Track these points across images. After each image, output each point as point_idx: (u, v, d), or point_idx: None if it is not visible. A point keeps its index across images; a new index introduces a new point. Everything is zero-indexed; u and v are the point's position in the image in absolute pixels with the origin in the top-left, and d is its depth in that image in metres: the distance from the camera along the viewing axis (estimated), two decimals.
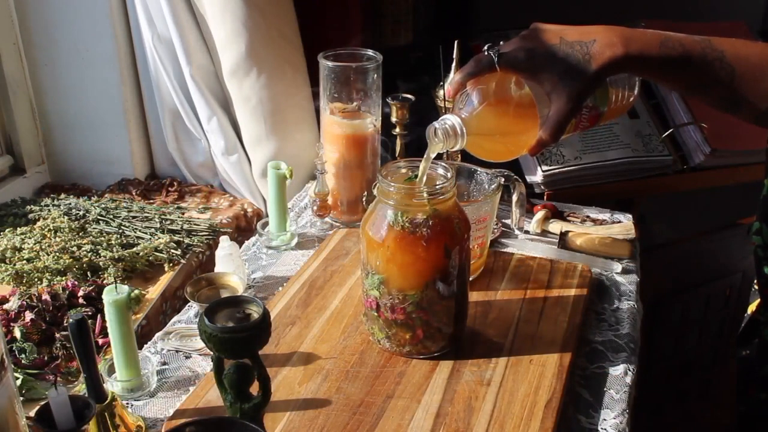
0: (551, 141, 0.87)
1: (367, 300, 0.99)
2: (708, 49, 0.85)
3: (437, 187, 0.92)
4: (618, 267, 1.22)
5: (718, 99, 0.89)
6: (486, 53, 0.87)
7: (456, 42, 1.33)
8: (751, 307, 1.12)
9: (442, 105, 1.34)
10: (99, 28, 1.45)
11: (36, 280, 1.20)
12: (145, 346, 1.05)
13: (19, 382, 0.98)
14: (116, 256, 1.24)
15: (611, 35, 0.84)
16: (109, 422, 0.85)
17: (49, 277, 1.19)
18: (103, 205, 1.41)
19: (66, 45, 1.48)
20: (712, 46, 0.85)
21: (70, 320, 0.80)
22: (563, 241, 1.28)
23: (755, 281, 1.12)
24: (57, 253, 1.23)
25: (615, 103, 0.95)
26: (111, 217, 1.37)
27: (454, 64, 1.34)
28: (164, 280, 1.24)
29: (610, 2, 1.80)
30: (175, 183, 1.56)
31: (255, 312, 0.80)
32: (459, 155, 1.39)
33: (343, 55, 1.30)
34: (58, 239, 1.28)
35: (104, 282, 1.19)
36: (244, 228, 1.47)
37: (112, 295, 0.91)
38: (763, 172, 1.04)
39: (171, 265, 1.28)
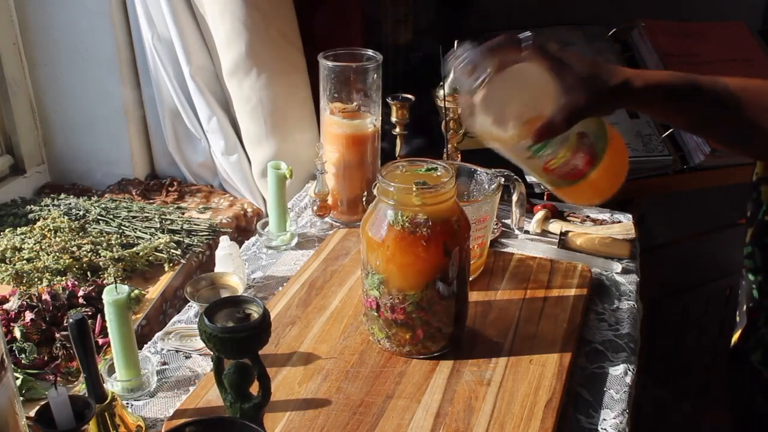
0: (560, 125, 0.85)
1: (367, 300, 0.99)
2: (713, 80, 0.88)
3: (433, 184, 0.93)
4: (618, 267, 1.22)
5: (729, 131, 0.91)
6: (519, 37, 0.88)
7: (456, 42, 1.33)
8: (734, 338, 1.14)
9: (442, 105, 1.34)
10: (99, 28, 1.45)
11: (36, 280, 1.20)
12: (145, 346, 1.05)
13: (19, 382, 0.98)
14: (116, 256, 1.24)
15: (625, 67, 0.89)
16: (109, 422, 0.85)
17: (49, 277, 1.19)
18: (103, 205, 1.41)
19: (66, 45, 1.48)
20: (715, 79, 0.88)
21: (70, 320, 0.80)
22: (563, 241, 1.28)
23: (738, 310, 1.13)
24: (57, 253, 1.23)
25: (611, 157, 0.94)
26: (111, 217, 1.37)
27: None
28: (164, 280, 1.24)
29: (611, 2, 1.81)
30: (175, 183, 1.56)
31: (255, 312, 0.80)
32: (459, 155, 1.40)
33: (343, 55, 1.30)
34: (58, 239, 1.28)
35: (104, 282, 1.19)
36: (244, 228, 1.47)
37: (112, 295, 0.91)
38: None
39: (171, 265, 1.28)
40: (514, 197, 1.17)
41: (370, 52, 1.31)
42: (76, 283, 1.16)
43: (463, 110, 0.91)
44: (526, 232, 1.33)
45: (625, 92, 0.86)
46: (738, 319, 1.14)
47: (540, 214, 1.33)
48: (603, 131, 0.92)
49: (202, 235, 1.36)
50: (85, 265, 1.23)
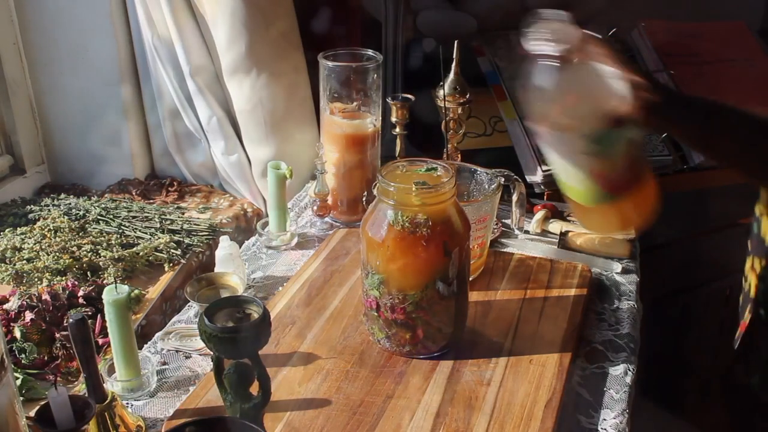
0: (634, 111, 0.86)
1: (367, 300, 0.99)
2: (745, 110, 0.91)
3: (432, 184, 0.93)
4: (618, 267, 1.22)
5: (757, 162, 0.93)
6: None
7: (456, 42, 1.33)
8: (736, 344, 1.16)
9: (442, 105, 1.34)
10: (99, 28, 1.45)
11: (36, 280, 1.20)
12: (145, 346, 1.05)
13: (19, 382, 0.98)
14: (116, 256, 1.24)
15: None
16: (109, 422, 0.85)
17: (49, 277, 1.19)
18: (103, 205, 1.41)
19: (66, 45, 1.48)
20: (746, 109, 0.91)
21: (70, 320, 0.80)
22: (563, 241, 1.28)
23: (742, 326, 1.14)
24: (57, 253, 1.23)
25: (645, 192, 0.95)
26: (111, 217, 1.37)
27: (454, 64, 1.34)
28: (164, 280, 1.24)
29: (611, 2, 1.80)
30: (175, 183, 1.56)
31: (255, 312, 0.80)
32: (459, 155, 1.40)
33: (343, 55, 1.30)
34: (58, 239, 1.28)
35: (104, 282, 1.19)
36: (244, 228, 1.47)
37: (112, 295, 0.91)
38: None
39: (171, 265, 1.28)
40: (514, 197, 1.17)
41: (370, 52, 1.31)
42: (76, 283, 1.16)
43: (531, 87, 0.90)
44: (526, 232, 1.33)
45: (678, 102, 0.90)
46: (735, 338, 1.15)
47: (540, 214, 1.33)
48: (645, 159, 0.94)
49: (202, 235, 1.36)
50: (85, 265, 1.23)
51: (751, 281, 1.12)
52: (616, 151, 0.90)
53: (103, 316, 1.04)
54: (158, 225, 1.36)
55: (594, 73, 0.88)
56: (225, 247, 1.13)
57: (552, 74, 0.88)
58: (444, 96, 1.33)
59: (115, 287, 0.91)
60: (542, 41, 0.88)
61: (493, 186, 1.12)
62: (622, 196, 0.92)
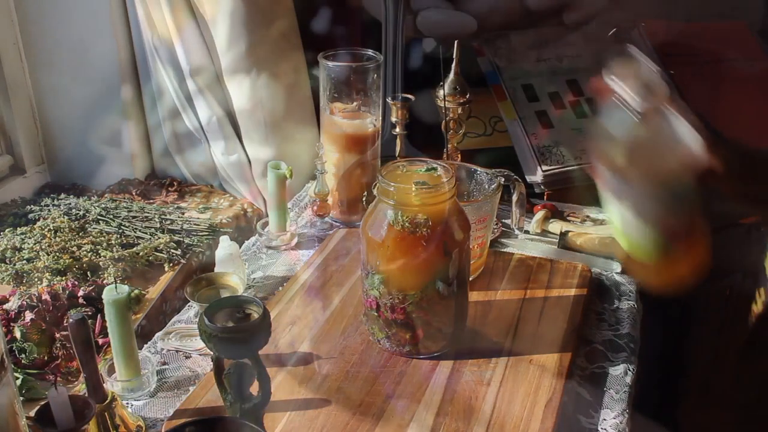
0: (711, 162, 0.88)
1: (367, 300, 0.99)
2: None
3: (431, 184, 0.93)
4: (618, 267, 1.22)
5: None
6: None
7: (456, 42, 1.33)
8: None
9: (442, 105, 1.34)
10: (99, 27, 1.45)
11: (36, 280, 1.20)
12: (145, 346, 1.05)
13: (19, 382, 0.98)
14: (116, 256, 1.24)
15: None
16: (109, 422, 0.85)
17: (49, 277, 1.19)
18: (103, 205, 1.41)
19: (66, 45, 1.48)
20: None
21: (70, 320, 0.80)
22: (563, 241, 1.28)
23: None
24: (57, 253, 1.23)
25: (698, 247, 0.95)
26: (111, 217, 1.37)
27: (454, 64, 1.34)
28: (164, 280, 1.24)
29: (611, 2, 1.80)
30: (175, 183, 1.56)
31: (255, 312, 0.80)
32: (459, 155, 1.40)
33: (343, 55, 1.30)
34: (58, 239, 1.28)
35: (104, 282, 1.19)
36: (244, 228, 1.47)
37: (112, 295, 0.91)
38: None
39: (171, 265, 1.28)
40: (514, 197, 1.17)
41: (370, 52, 1.31)
42: (76, 283, 1.16)
43: (603, 128, 0.90)
44: (526, 232, 1.33)
45: (749, 162, 0.94)
46: None
47: (540, 214, 1.33)
48: (703, 213, 0.94)
49: (202, 235, 1.36)
50: (85, 265, 1.23)
51: (753, 311, 1.12)
52: (682, 203, 0.90)
53: (103, 316, 1.04)
54: (158, 225, 1.36)
55: (671, 128, 0.87)
56: (225, 247, 1.13)
57: (629, 122, 0.86)
58: (444, 96, 1.33)
59: (115, 287, 0.91)
60: (627, 86, 0.87)
61: (493, 186, 1.12)
62: (681, 246, 0.92)
